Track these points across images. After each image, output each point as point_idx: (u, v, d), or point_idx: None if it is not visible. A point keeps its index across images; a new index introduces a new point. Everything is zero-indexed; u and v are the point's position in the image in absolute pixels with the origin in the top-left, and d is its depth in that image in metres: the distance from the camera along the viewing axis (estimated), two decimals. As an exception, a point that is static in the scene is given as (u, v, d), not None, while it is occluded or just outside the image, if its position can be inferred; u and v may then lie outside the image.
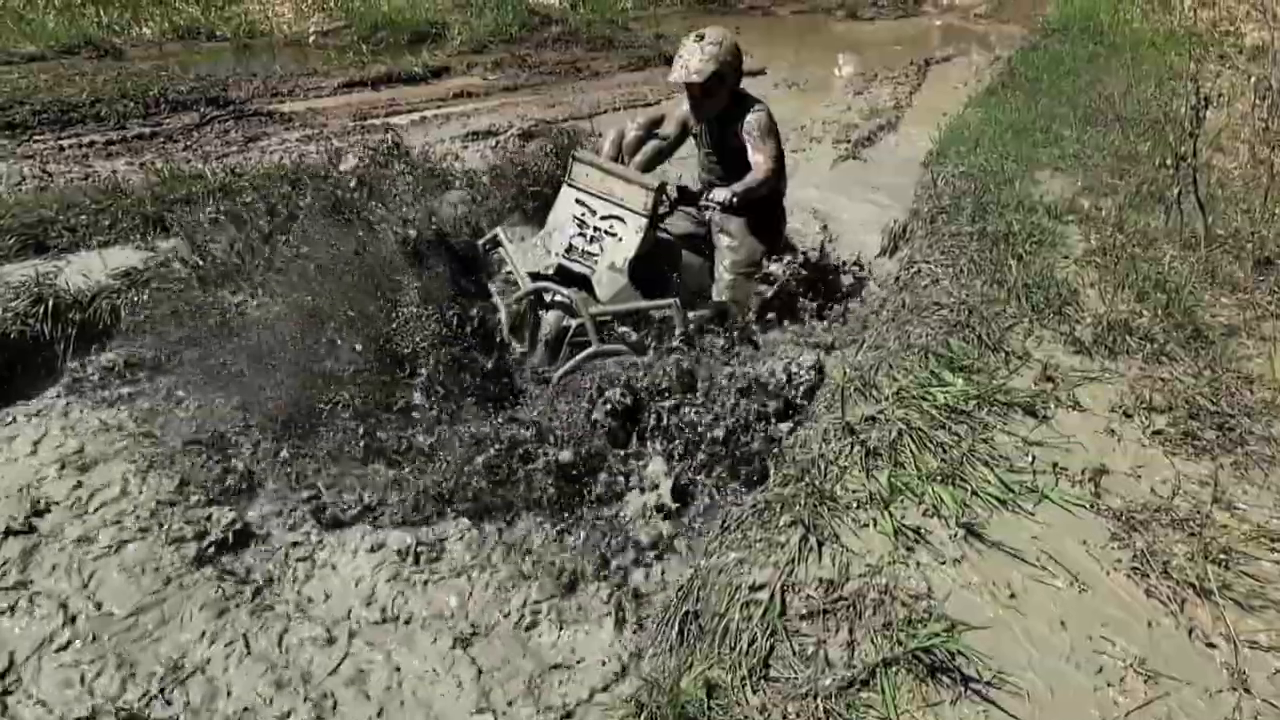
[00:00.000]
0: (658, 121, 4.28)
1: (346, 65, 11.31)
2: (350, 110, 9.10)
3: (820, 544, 2.60)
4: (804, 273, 4.36)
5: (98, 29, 12.10)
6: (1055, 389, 3.51)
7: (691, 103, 4.31)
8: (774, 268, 4.26)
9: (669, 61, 4.65)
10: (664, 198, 3.95)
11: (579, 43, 13.69)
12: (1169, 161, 5.71)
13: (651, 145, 4.18)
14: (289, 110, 8.90)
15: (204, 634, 2.84)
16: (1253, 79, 7.39)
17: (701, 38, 4.16)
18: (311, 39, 13.29)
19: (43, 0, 12.72)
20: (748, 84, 4.48)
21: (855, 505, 2.77)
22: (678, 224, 4.35)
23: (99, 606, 2.91)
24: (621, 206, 3.75)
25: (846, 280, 5.09)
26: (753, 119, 4.20)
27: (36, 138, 7.41)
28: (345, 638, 2.86)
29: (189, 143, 7.51)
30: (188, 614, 2.91)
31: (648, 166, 4.17)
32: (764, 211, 4.34)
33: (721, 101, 4.25)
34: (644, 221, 3.72)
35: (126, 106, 8.38)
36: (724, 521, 2.85)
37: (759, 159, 4.18)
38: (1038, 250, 4.91)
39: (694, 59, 4.11)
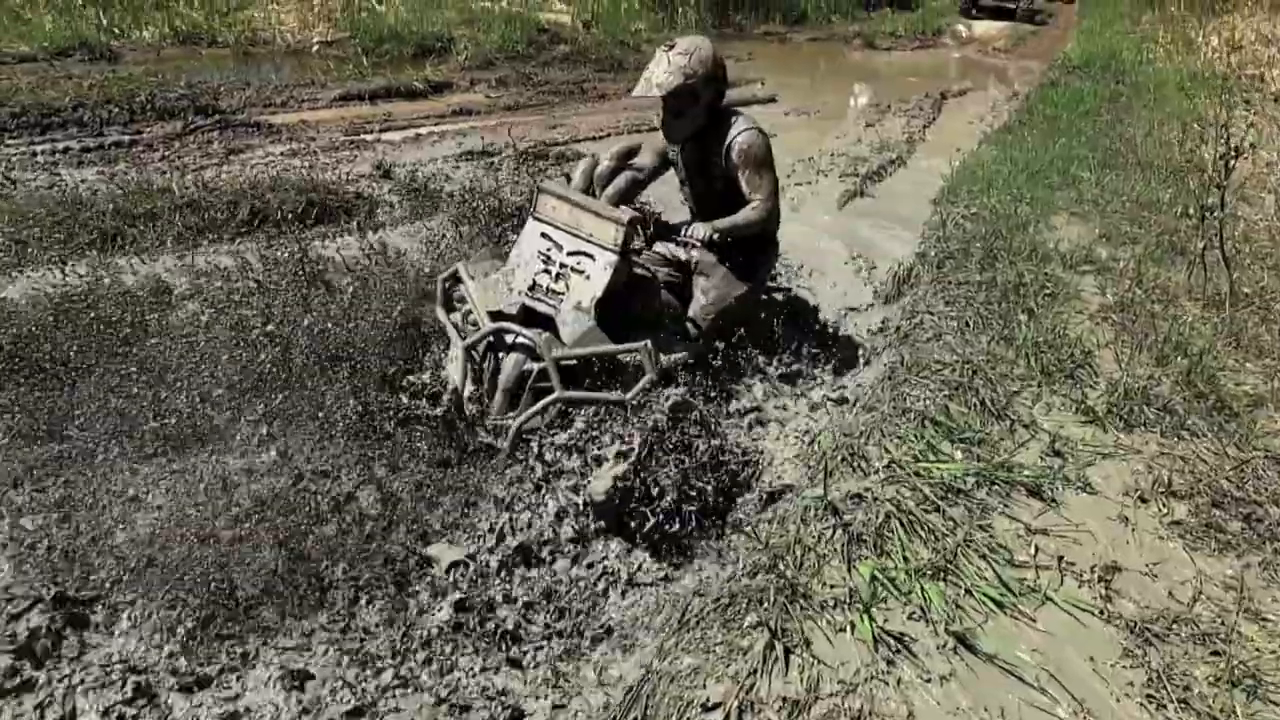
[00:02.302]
0: (633, 151, 3.91)
1: (345, 77, 11.06)
2: (343, 124, 8.80)
3: (788, 652, 2.26)
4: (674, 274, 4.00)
5: (96, 31, 11.87)
6: (1064, 466, 3.18)
7: (661, 122, 3.85)
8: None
9: None
10: (638, 232, 3.61)
11: (587, 63, 13.39)
12: (1192, 211, 5.40)
13: (625, 177, 3.80)
14: (279, 122, 8.61)
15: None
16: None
17: (671, 47, 3.67)
18: (315, 49, 13.06)
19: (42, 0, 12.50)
20: (759, 113, 4.11)
21: (832, 604, 2.42)
22: (655, 269, 4.01)
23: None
24: (590, 242, 3.42)
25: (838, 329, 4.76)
26: (743, 143, 3.69)
27: (9, 142, 7.13)
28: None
29: (167, 153, 7.21)
30: None
31: (623, 199, 3.82)
32: (749, 251, 3.95)
33: (696, 121, 3.75)
34: (614, 258, 3.39)
35: (110, 112, 8.11)
36: (683, 615, 2.50)
37: (755, 198, 3.72)
38: (1050, 304, 4.58)
39: (658, 71, 3.62)
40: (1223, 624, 2.47)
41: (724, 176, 3.80)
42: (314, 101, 9.76)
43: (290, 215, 5.65)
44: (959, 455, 3.16)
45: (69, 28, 11.71)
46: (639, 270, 3.72)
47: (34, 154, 6.86)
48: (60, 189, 5.85)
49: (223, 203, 5.58)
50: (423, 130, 8.87)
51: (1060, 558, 2.69)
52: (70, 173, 6.42)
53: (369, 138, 8.40)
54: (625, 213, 3.42)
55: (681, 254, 3.98)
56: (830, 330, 4.65)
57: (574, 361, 3.34)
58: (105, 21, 12.41)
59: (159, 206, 5.36)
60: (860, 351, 4.50)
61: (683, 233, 3.67)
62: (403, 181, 6.62)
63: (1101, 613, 2.49)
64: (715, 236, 3.60)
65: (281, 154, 7.44)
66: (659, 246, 4.02)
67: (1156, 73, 12.53)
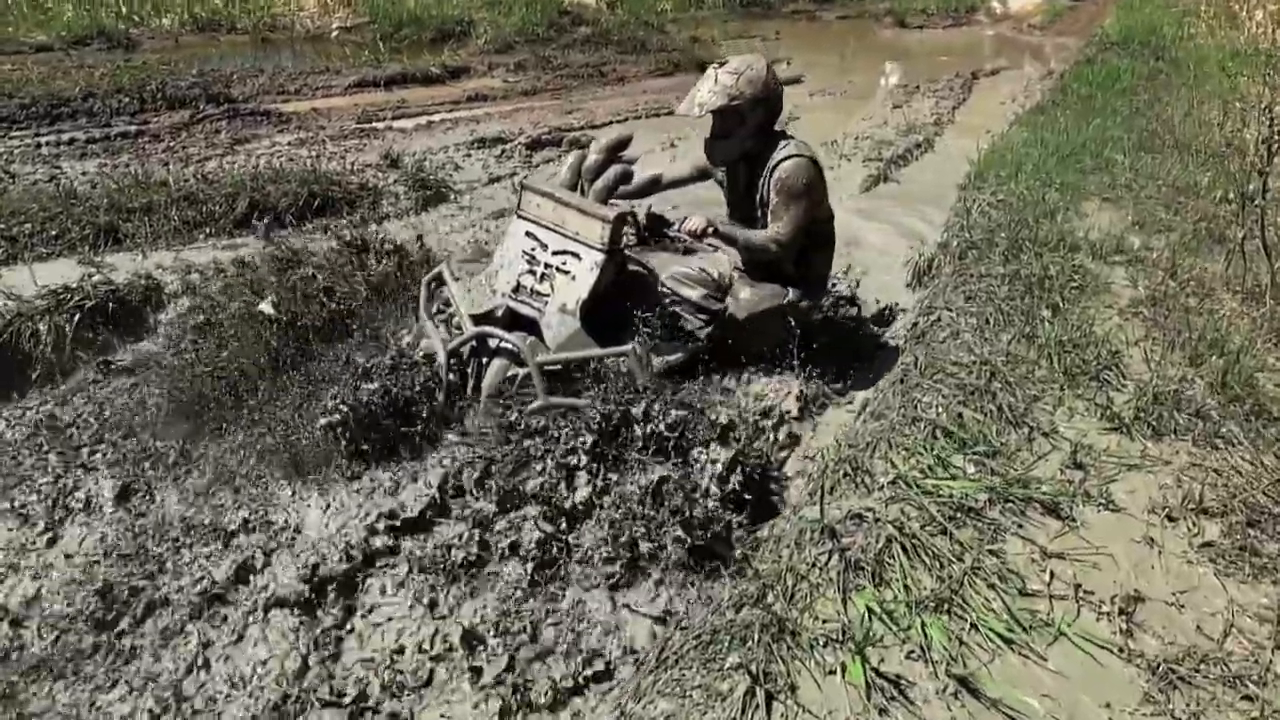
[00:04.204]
0: (624, 143, 3.70)
1: (361, 63, 10.95)
2: (355, 112, 8.69)
3: (770, 698, 2.07)
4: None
5: (116, 19, 11.84)
6: (1086, 480, 2.94)
7: (705, 142, 3.68)
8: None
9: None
10: (627, 227, 3.42)
11: (609, 44, 13.16)
12: (1232, 197, 5.10)
13: (614, 171, 3.59)
14: (290, 110, 8.51)
15: None
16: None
17: (722, 64, 3.51)
18: (334, 34, 12.96)
19: (62, -13, 12.49)
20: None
21: (822, 642, 2.23)
22: (686, 289, 3.76)
23: None
24: (576, 240, 3.25)
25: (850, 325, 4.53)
26: (783, 170, 3.50)
27: (14, 134, 7.07)
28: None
29: (172, 143, 7.12)
30: None
31: (612, 194, 3.60)
32: (785, 281, 3.76)
33: (743, 145, 3.57)
34: (600, 257, 3.21)
35: (120, 102, 8.03)
36: (662, 651, 2.32)
37: (775, 226, 3.54)
38: (1077, 298, 4.32)
39: (704, 89, 3.47)
40: (1256, 662, 2.25)
41: (766, 205, 3.62)
42: (327, 89, 9.66)
43: (290, 208, 5.52)
44: (971, 469, 2.94)
45: (88, 16, 11.69)
46: (633, 267, 3.53)
47: (38, 145, 6.81)
48: (58, 183, 5.77)
49: (221, 195, 5.46)
50: (435, 117, 8.73)
51: (1078, 586, 2.47)
52: (71, 165, 6.35)
53: (380, 126, 8.28)
54: (612, 210, 3.24)
55: (726, 269, 3.76)
56: (841, 326, 4.42)
57: (559, 366, 3.17)
58: (125, 9, 12.38)
59: (155, 201, 5.24)
60: (873, 350, 4.29)
61: (676, 226, 3.49)
62: (409, 171, 6.46)
63: (1121, 650, 2.27)
64: (711, 231, 3.42)
65: (288, 144, 7.33)
66: (700, 263, 3.81)
67: (1198, 49, 12.06)
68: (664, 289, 3.68)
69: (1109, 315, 4.17)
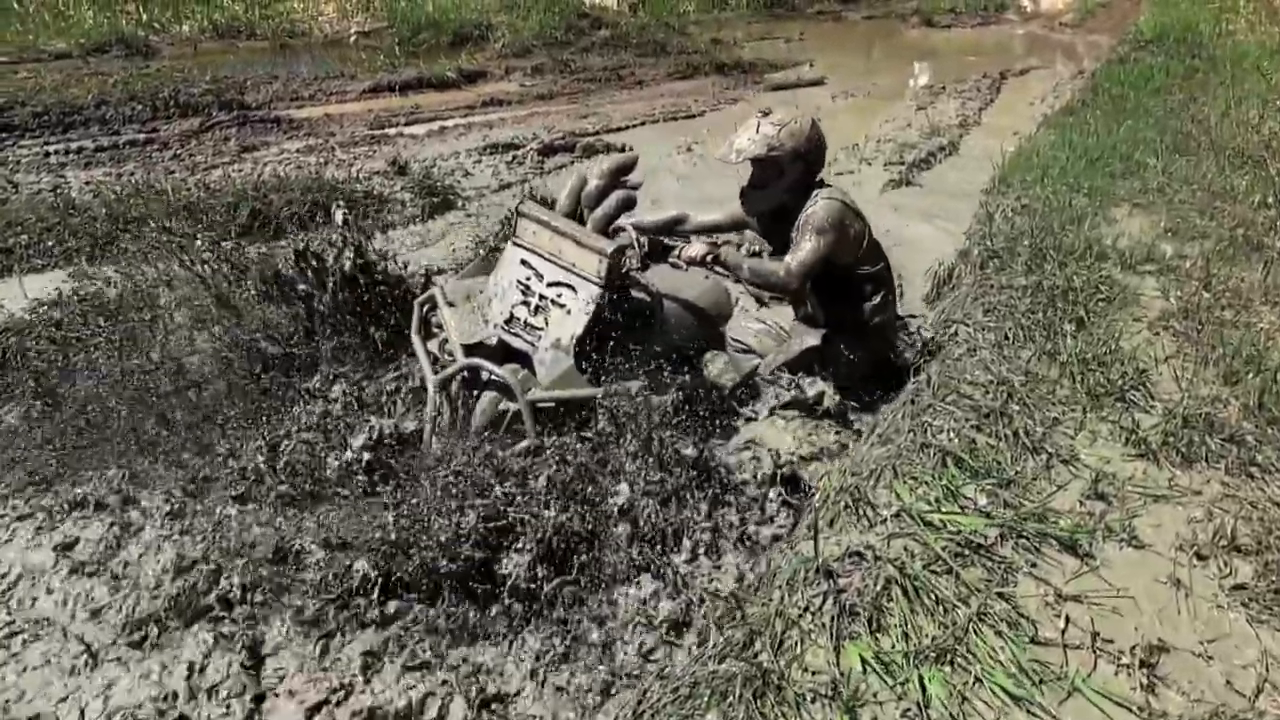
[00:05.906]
0: (626, 168, 3.50)
1: (376, 68, 10.87)
2: (368, 118, 8.60)
3: (750, 764, 1.89)
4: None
5: (136, 26, 11.86)
6: (1107, 513, 2.73)
7: (741, 190, 3.54)
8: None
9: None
10: (625, 259, 3.26)
11: (628, 47, 12.99)
12: (1271, 201, 4.86)
13: (616, 198, 3.40)
14: (302, 116, 8.45)
15: None
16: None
17: (766, 114, 3.40)
18: (353, 39, 12.92)
19: (85, -5, 12.54)
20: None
21: (810, 697, 2.05)
22: (754, 338, 3.62)
23: None
24: (572, 272, 3.08)
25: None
26: (813, 209, 3.37)
27: (24, 142, 7.04)
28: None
29: (179, 151, 7.05)
30: None
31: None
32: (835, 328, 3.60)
33: (780, 197, 3.45)
34: (597, 291, 3.04)
35: (132, 109, 7.99)
36: (639, 705, 2.15)
37: (789, 255, 3.38)
38: (1103, 310, 4.11)
39: (743, 136, 3.37)
40: (1293, 724, 2.05)
41: None
42: (342, 94, 9.61)
43: (292, 217, 5.41)
44: (983, 500, 2.74)
45: (108, 23, 11.72)
46: (637, 294, 3.36)
47: (46, 154, 6.77)
48: (61, 192, 5.71)
49: (223, 205, 5.36)
50: (449, 123, 8.62)
51: (1095, 634, 2.27)
52: (76, 174, 6.29)
53: (392, 131, 8.18)
54: (611, 243, 3.07)
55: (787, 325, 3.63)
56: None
57: (550, 404, 3.01)
58: (144, 16, 12.40)
59: (154, 211, 5.14)
60: (887, 369, 4.09)
61: (676, 252, 3.34)
62: (417, 178, 6.34)
63: (1142, 709, 2.07)
64: (709, 259, 3.28)
65: (297, 151, 7.24)
66: (771, 315, 3.65)
67: (1236, 46, 11.72)
68: (733, 341, 3.62)
69: (1137, 329, 3.97)
